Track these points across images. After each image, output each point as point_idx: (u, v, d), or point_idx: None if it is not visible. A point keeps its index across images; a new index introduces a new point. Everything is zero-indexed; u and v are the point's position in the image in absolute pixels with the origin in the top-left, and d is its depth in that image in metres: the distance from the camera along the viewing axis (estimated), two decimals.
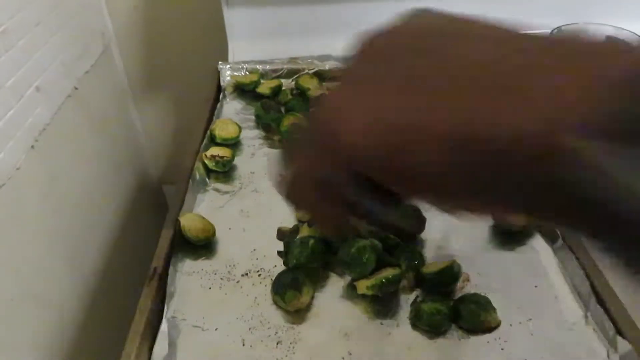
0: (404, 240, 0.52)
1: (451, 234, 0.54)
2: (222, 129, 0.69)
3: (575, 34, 0.20)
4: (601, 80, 0.17)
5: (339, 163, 0.23)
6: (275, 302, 0.49)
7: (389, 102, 0.21)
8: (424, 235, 0.54)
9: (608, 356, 0.42)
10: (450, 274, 0.48)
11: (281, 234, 0.56)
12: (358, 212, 0.25)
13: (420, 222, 0.52)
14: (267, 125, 0.71)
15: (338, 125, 0.22)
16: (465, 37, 0.22)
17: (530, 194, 0.18)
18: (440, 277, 0.48)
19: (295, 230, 0.55)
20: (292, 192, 0.27)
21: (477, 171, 0.19)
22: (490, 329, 0.45)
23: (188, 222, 0.54)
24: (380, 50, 0.24)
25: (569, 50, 0.19)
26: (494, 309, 0.46)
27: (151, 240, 0.55)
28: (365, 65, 0.24)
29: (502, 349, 0.44)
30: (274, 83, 0.78)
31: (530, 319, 0.46)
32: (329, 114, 0.23)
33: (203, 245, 0.55)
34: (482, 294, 0.47)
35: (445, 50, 0.21)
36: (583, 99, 0.17)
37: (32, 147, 0.69)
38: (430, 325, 0.45)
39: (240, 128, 0.70)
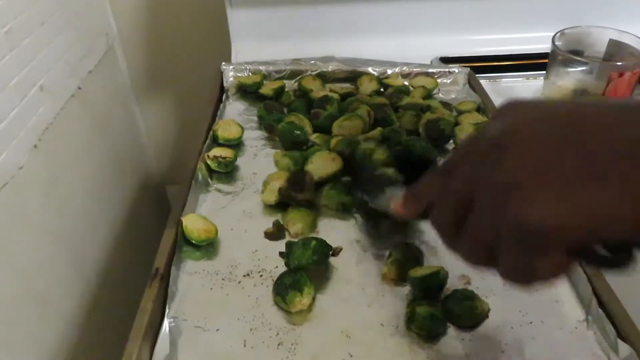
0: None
1: None
2: (225, 129, 0.69)
3: None
4: None
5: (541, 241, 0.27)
6: (276, 303, 0.49)
7: (580, 193, 0.25)
8: (427, 235, 0.54)
9: (607, 358, 0.43)
10: (436, 280, 0.48)
11: (269, 235, 0.56)
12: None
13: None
14: (270, 126, 0.71)
15: (533, 208, 0.26)
16: (598, 123, 0.26)
17: None
18: (426, 283, 0.48)
19: (280, 228, 0.56)
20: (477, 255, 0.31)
21: None
22: (485, 317, 0.46)
23: (190, 222, 0.55)
24: (539, 133, 0.27)
25: None
26: (479, 297, 0.47)
27: (153, 240, 0.55)
28: (532, 145, 0.27)
29: (503, 352, 0.44)
30: (276, 84, 0.78)
31: (531, 322, 0.46)
32: (513, 191, 0.27)
33: (205, 246, 0.55)
34: (484, 297, 0.47)
35: (594, 139, 0.26)
36: None
37: (35, 146, 0.70)
38: (422, 329, 0.45)
39: (242, 129, 0.70)
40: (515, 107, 0.30)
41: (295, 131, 0.67)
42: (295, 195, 0.58)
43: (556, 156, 0.26)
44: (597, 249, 0.28)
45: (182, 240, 0.54)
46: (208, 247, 0.55)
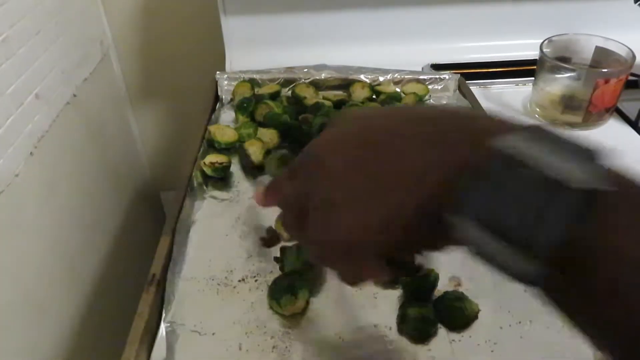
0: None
1: None
2: (222, 134, 0.70)
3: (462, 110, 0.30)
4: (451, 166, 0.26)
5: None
6: (271, 307, 0.50)
7: (370, 208, 0.28)
8: None
9: (594, 357, 0.44)
10: (427, 282, 0.49)
11: (264, 242, 0.57)
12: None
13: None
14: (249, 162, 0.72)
15: (342, 221, 0.29)
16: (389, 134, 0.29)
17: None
18: (417, 285, 0.49)
19: (274, 234, 0.57)
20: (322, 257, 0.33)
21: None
22: (475, 318, 0.47)
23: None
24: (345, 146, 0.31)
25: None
26: (469, 299, 0.48)
27: (149, 246, 0.56)
28: (338, 160, 0.30)
29: (492, 351, 0.45)
30: (273, 88, 0.80)
31: (520, 322, 0.47)
32: (329, 208, 0.30)
33: (200, 251, 0.56)
34: (474, 299, 0.49)
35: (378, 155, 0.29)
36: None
37: (31, 153, 0.70)
38: (413, 330, 0.46)
39: (237, 132, 0.71)
40: (340, 119, 0.33)
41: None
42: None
43: (358, 171, 0.29)
44: (404, 257, 0.33)
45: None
46: (203, 252, 0.56)
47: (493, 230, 0.23)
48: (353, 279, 0.33)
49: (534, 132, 0.24)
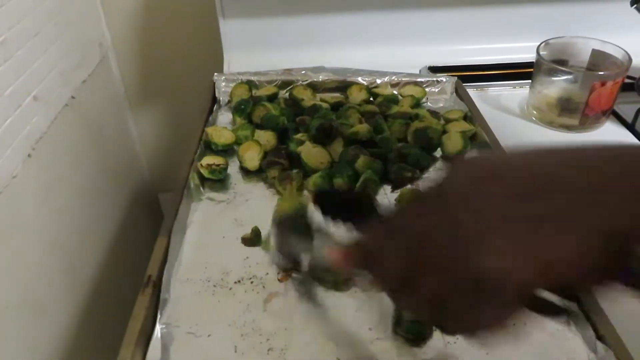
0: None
1: None
2: (219, 136, 0.70)
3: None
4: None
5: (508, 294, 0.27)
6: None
7: (533, 240, 0.26)
8: None
9: (588, 359, 0.44)
10: None
11: (244, 241, 0.57)
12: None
13: None
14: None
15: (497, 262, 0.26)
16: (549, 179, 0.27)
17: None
18: None
19: (258, 233, 0.57)
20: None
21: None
22: None
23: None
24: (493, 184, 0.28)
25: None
26: None
27: (147, 247, 0.56)
28: (484, 197, 0.27)
29: (487, 354, 0.45)
30: (270, 90, 0.80)
31: (515, 324, 0.47)
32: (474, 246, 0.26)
33: (197, 252, 0.56)
34: None
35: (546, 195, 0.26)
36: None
37: (29, 155, 0.70)
38: (408, 332, 0.46)
39: (234, 134, 0.71)
40: (465, 163, 0.30)
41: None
42: None
43: (508, 207, 0.26)
44: (544, 296, 0.29)
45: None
46: (199, 253, 0.56)
47: None
48: (476, 327, 0.29)
49: None
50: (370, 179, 0.62)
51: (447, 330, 0.30)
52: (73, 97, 0.85)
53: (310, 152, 0.66)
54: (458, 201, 0.28)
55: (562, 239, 0.25)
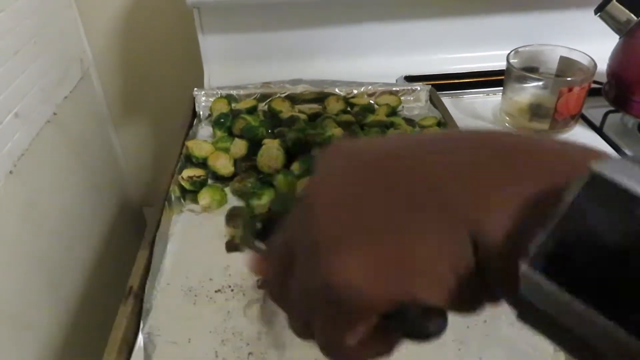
0: None
1: None
2: (199, 149, 0.72)
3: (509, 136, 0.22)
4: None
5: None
6: None
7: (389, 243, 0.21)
8: None
9: (555, 351, 0.46)
10: None
11: (227, 246, 0.59)
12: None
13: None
14: None
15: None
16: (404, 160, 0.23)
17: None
18: None
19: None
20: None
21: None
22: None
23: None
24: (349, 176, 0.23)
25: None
26: None
27: (132, 261, 0.57)
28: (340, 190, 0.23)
29: (459, 350, 0.47)
30: (249, 104, 0.82)
31: (486, 321, 0.49)
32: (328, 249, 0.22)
33: (178, 263, 0.57)
34: None
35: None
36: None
37: (11, 172, 0.71)
38: None
39: (214, 147, 0.73)
40: (322, 160, 0.25)
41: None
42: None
43: (362, 201, 0.22)
44: (408, 312, 0.23)
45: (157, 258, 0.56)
46: (182, 263, 0.57)
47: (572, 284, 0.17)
48: (343, 352, 0.24)
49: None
50: None
51: (324, 354, 0.25)
52: (55, 114, 0.86)
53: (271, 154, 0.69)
54: (317, 194, 0.24)
55: (423, 236, 0.21)
